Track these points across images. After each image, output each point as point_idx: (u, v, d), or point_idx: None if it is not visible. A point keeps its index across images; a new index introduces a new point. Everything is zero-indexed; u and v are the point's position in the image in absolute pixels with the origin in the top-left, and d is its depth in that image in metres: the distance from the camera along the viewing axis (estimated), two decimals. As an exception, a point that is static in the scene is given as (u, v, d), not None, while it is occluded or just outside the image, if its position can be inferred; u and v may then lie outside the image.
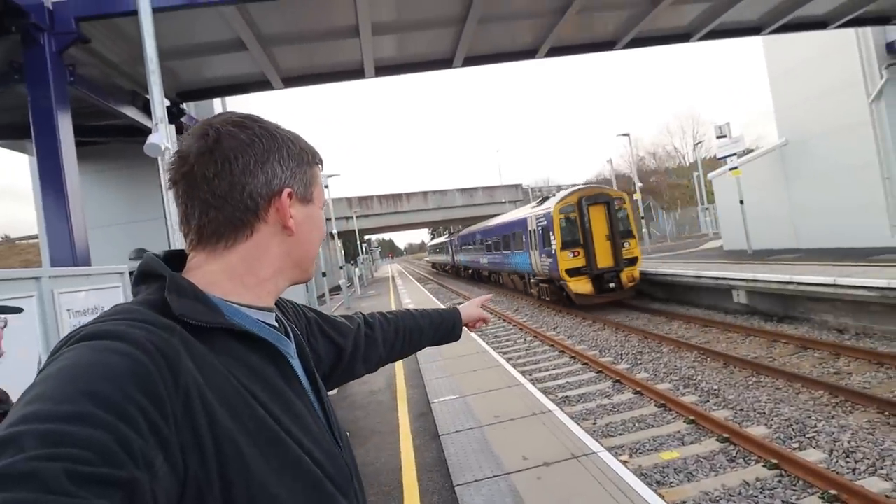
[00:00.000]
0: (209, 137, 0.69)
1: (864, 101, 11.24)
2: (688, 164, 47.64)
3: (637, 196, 22.20)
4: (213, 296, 0.67)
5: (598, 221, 13.47)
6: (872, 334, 7.79)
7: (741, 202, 14.66)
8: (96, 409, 0.46)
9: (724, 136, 15.22)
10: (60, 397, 0.46)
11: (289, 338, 0.79)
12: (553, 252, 13.86)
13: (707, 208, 31.41)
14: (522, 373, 7.35)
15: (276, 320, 0.78)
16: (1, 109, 6.72)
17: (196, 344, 0.60)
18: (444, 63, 7.65)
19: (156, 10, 4.44)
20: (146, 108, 7.22)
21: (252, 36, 5.92)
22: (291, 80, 7.47)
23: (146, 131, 7.46)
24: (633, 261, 13.57)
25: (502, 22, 6.83)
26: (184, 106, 7.61)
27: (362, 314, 1.21)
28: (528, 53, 7.94)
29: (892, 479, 3.98)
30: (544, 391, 6.69)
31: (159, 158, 4.34)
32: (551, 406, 4.81)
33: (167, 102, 5.43)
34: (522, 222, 16.91)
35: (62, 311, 2.80)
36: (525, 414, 4.67)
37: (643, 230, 23.22)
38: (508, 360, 8.47)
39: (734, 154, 14.99)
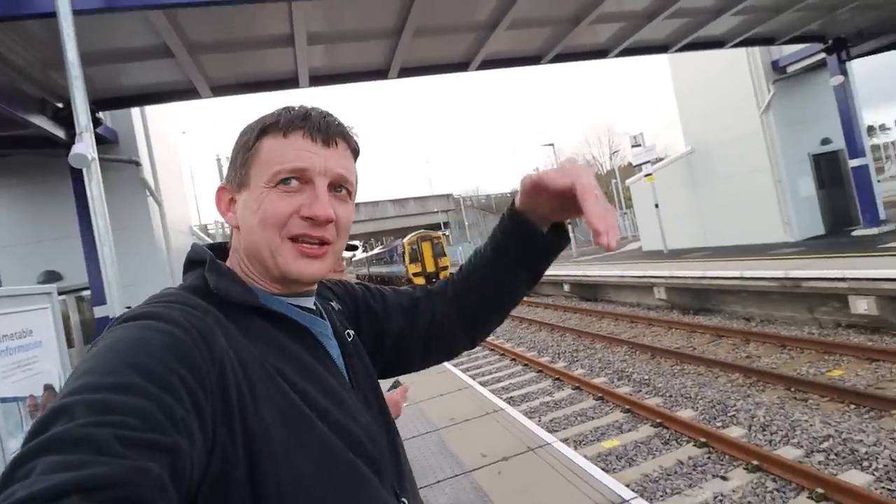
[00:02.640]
0: None
1: (756, 113, 12.62)
2: (605, 172, 50.66)
3: (563, 203, 23.31)
4: (249, 283, 0.71)
5: (427, 249, 26.33)
6: (775, 320, 8.72)
7: (656, 206, 15.85)
8: (140, 380, 0.48)
9: (639, 146, 16.44)
10: (107, 370, 0.49)
11: (324, 319, 0.79)
12: (406, 264, 26.47)
13: (625, 213, 33.50)
14: (469, 377, 7.50)
15: (316, 302, 0.79)
16: None
17: (228, 324, 0.63)
18: (380, 74, 7.71)
19: (75, 13, 4.15)
20: (56, 118, 6.67)
21: (180, 43, 5.66)
22: (221, 89, 7.20)
23: (57, 142, 6.89)
24: (445, 267, 25.92)
25: (437, 35, 7.01)
26: (100, 115, 7.10)
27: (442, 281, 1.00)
28: (462, 66, 8.19)
29: (802, 447, 4.47)
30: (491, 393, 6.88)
31: (84, 170, 4.05)
32: (503, 404, 4.98)
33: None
34: (396, 248, 30.36)
35: (-14, 335, 2.56)
36: (478, 414, 4.81)
37: (571, 235, 24.31)
38: (454, 365, 8.60)
39: (648, 161, 16.20)
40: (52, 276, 7.92)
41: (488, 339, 11.51)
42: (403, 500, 0.74)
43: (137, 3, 4.73)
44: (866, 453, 4.14)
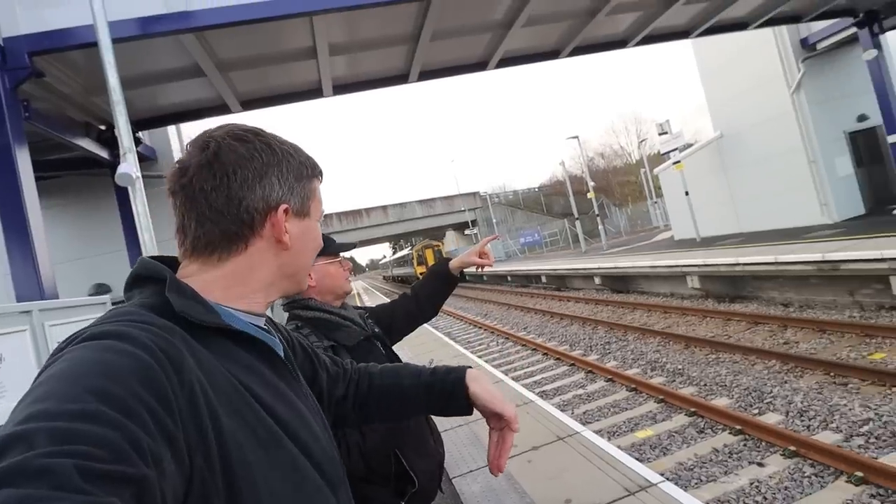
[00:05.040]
0: (209, 150, 0.69)
1: (786, 93, 12.24)
2: (634, 161, 49.70)
3: (591, 195, 23.08)
4: (208, 300, 0.68)
5: (429, 254, 34.76)
6: (814, 305, 8.48)
7: (686, 193, 15.54)
8: (104, 408, 0.45)
9: (666, 133, 16.15)
10: (67, 396, 0.46)
11: (277, 340, 0.81)
12: (414, 266, 35.40)
13: (656, 202, 32.88)
14: (501, 372, 7.58)
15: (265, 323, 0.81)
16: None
17: (195, 344, 0.61)
18: (401, 78, 7.89)
19: (114, 41, 4.45)
20: (100, 139, 7.11)
21: (210, 62, 5.97)
22: (250, 103, 7.51)
23: (102, 162, 7.33)
24: None
25: (454, 37, 7.13)
26: (139, 134, 7.52)
27: (359, 367, 1.09)
28: (480, 65, 8.28)
29: (841, 431, 4.40)
30: (523, 387, 6.95)
31: (129, 188, 4.34)
32: (533, 397, 5.05)
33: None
34: (409, 255, 39.90)
35: (53, 343, 2.82)
36: (509, 407, 4.91)
37: (599, 227, 24.11)
38: (486, 360, 8.71)
39: (676, 149, 15.89)
40: (101, 289, 8.41)
41: (519, 334, 11.57)
42: None
43: (169, 27, 5.02)
44: (908, 436, 4.05)
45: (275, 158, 0.72)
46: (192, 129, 9.83)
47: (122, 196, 7.04)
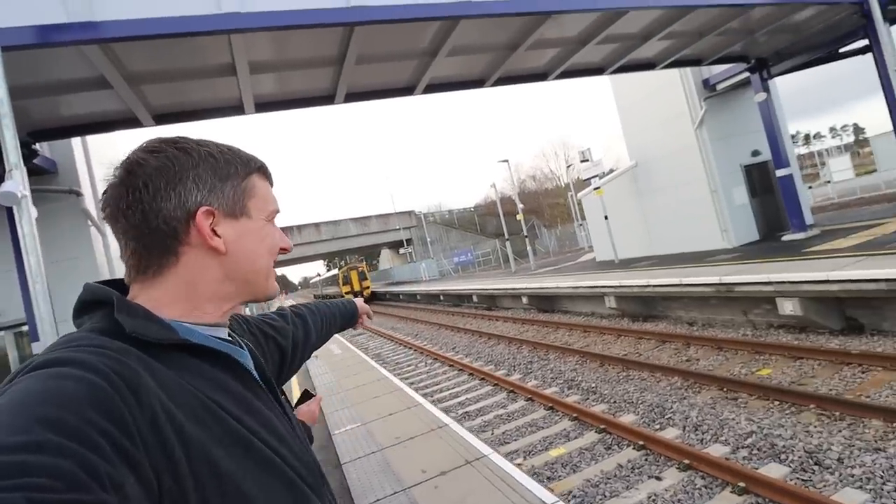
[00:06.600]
0: (123, 169, 0.69)
1: (691, 128, 13.38)
2: (563, 184, 51.99)
3: (520, 217, 23.84)
4: (163, 317, 0.67)
5: (354, 276, 40.11)
6: (715, 324, 9.20)
7: (606, 217, 16.45)
8: (53, 436, 0.44)
9: (587, 160, 17.08)
10: (14, 428, 0.44)
11: (243, 349, 0.80)
12: (340, 286, 40.31)
13: (581, 224, 34.45)
14: (424, 395, 7.59)
15: (228, 334, 0.79)
16: None
17: (153, 363, 0.60)
18: (327, 99, 7.84)
19: (4, 49, 4.14)
20: (-14, 151, 6.50)
21: (117, 74, 5.65)
22: (164, 118, 7.15)
23: (-12, 176, 6.68)
24: (367, 287, 39.88)
25: (380, 62, 7.21)
26: (37, 146, 6.95)
27: (288, 309, 1.25)
28: (407, 90, 8.42)
29: (729, 444, 4.77)
30: (446, 410, 6.98)
31: (15, 208, 4.00)
32: (447, 420, 5.10)
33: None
34: (336, 276, 44.72)
35: None
36: (423, 431, 4.91)
37: (528, 248, 24.92)
38: (410, 384, 8.67)
39: (596, 175, 16.84)
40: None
41: (447, 355, 11.64)
42: None
43: (71, 37, 4.72)
44: (784, 447, 4.45)
45: (190, 162, 0.70)
46: (101, 142, 9.22)
47: (12, 213, 6.47)
